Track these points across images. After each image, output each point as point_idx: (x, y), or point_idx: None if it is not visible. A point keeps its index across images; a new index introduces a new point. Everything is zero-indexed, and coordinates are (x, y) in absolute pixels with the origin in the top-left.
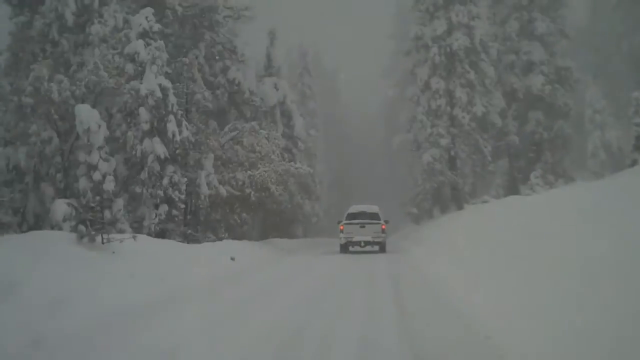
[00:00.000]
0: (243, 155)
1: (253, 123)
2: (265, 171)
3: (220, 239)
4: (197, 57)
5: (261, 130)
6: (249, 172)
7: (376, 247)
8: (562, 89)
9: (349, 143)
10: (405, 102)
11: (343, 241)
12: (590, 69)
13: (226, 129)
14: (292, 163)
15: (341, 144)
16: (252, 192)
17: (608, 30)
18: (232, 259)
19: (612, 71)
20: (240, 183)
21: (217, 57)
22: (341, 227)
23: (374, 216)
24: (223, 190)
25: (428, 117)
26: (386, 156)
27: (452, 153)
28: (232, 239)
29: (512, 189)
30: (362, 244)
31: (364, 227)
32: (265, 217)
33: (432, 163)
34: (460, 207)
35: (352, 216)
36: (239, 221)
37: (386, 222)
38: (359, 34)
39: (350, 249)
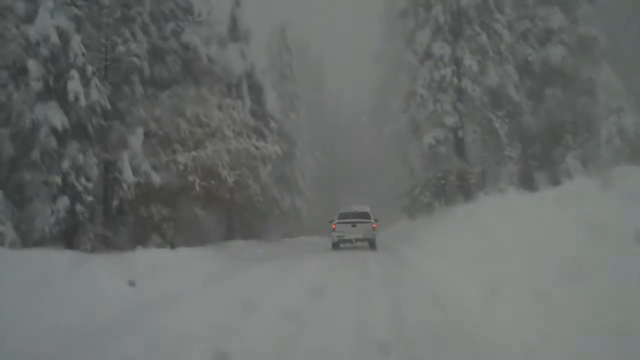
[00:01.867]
0: (186, 131)
1: (201, 88)
2: (214, 151)
3: (171, 244)
4: (140, 15)
5: (211, 97)
6: (193, 152)
7: (366, 243)
8: (585, 61)
9: (336, 134)
10: (396, 88)
11: (335, 239)
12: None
13: (164, 95)
14: (253, 140)
15: (327, 135)
16: (197, 180)
17: (615, 11)
18: (132, 284)
19: (623, 53)
20: (181, 168)
21: (167, 16)
22: (333, 226)
23: (365, 215)
24: (156, 178)
25: (430, 91)
26: (377, 147)
27: (460, 134)
28: (185, 243)
29: (526, 178)
30: (354, 240)
31: (355, 225)
32: (230, 213)
33: (435, 147)
34: (468, 200)
35: (344, 215)
36: (192, 219)
37: (376, 220)
38: (347, 20)
39: (341, 246)
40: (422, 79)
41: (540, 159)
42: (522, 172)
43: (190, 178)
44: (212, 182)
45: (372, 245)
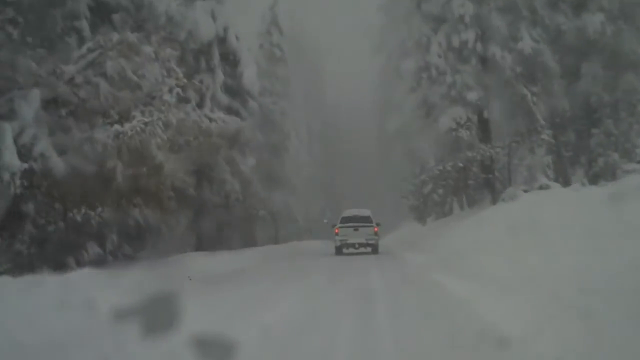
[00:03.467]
0: (108, 95)
1: (131, 35)
2: (145, 123)
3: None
4: None
5: (145, 46)
6: (115, 126)
7: (369, 249)
8: (629, 30)
9: (337, 131)
10: (399, 79)
11: (338, 243)
12: None
13: (84, 48)
14: (206, 111)
15: (326, 131)
16: (120, 167)
17: None
18: None
19: None
20: (100, 149)
21: None
22: (336, 231)
23: (367, 219)
24: (58, 163)
25: (447, 61)
26: (379, 144)
27: (485, 114)
28: (132, 256)
29: (559, 170)
30: (357, 245)
31: (357, 230)
32: (199, 215)
33: (455, 130)
34: (495, 199)
35: (346, 220)
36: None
37: (378, 224)
38: (345, 11)
39: (345, 250)
40: (437, 46)
41: (574, 148)
42: (555, 164)
43: (110, 163)
44: (144, 169)
45: (374, 250)
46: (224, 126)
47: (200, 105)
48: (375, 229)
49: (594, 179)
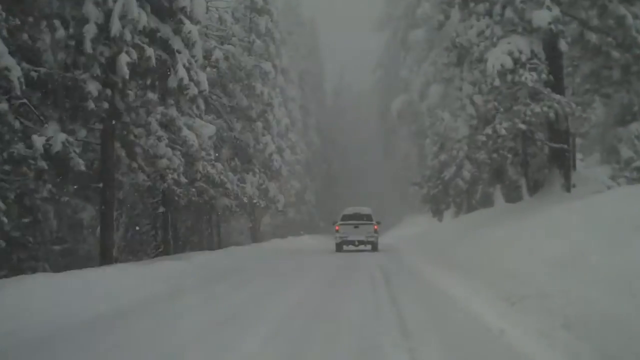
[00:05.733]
0: None
1: None
2: None
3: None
4: None
5: None
6: None
7: (369, 247)
8: None
9: (335, 115)
10: (406, 51)
11: (338, 240)
12: None
13: None
14: None
15: (323, 115)
16: None
17: None
18: None
19: None
20: None
21: None
22: (337, 228)
23: (367, 217)
24: None
25: None
26: (381, 129)
27: (562, 46)
28: None
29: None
30: (356, 242)
31: (357, 227)
32: (106, 205)
33: (512, 71)
34: (567, 180)
35: (347, 217)
36: None
37: (378, 223)
38: None
39: (345, 247)
40: None
41: None
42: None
43: None
44: None
45: (374, 247)
46: None
47: (103, 27)
48: (375, 227)
49: None
